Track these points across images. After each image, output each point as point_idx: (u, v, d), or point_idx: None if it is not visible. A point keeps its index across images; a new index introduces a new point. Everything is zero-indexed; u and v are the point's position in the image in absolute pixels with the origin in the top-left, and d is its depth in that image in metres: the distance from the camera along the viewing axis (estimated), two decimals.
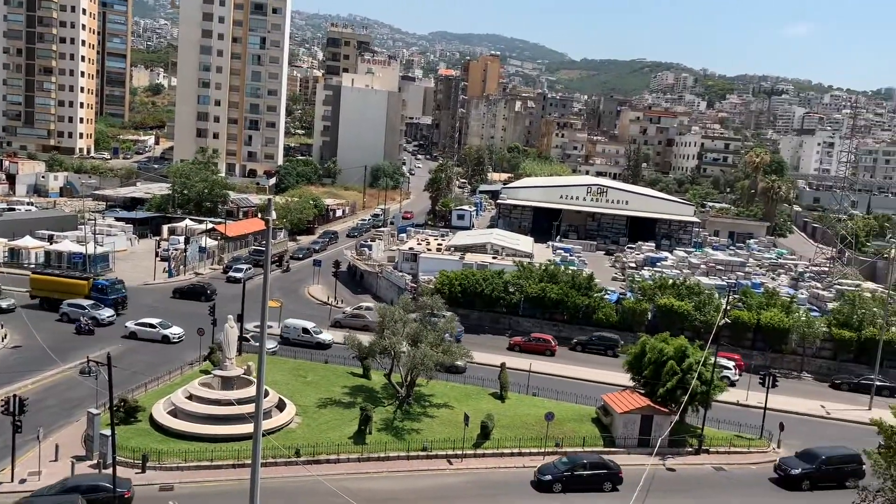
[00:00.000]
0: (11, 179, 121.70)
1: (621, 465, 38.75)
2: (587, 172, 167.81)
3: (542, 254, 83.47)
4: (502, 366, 48.88)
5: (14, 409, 32.70)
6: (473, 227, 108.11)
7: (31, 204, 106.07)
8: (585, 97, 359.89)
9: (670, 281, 67.36)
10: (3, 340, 51.33)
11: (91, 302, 58.94)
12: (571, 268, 71.31)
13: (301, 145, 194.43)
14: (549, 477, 36.85)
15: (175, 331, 55.31)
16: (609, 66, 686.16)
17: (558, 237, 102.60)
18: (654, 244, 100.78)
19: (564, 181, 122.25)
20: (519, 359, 55.02)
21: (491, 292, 64.47)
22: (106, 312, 58.21)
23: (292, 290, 73.32)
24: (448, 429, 41.72)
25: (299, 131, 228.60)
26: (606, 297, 66.14)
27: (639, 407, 43.12)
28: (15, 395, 33.41)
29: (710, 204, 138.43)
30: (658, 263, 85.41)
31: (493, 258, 75.67)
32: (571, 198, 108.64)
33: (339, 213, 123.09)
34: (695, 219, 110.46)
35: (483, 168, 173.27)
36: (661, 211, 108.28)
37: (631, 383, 47.39)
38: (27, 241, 75.42)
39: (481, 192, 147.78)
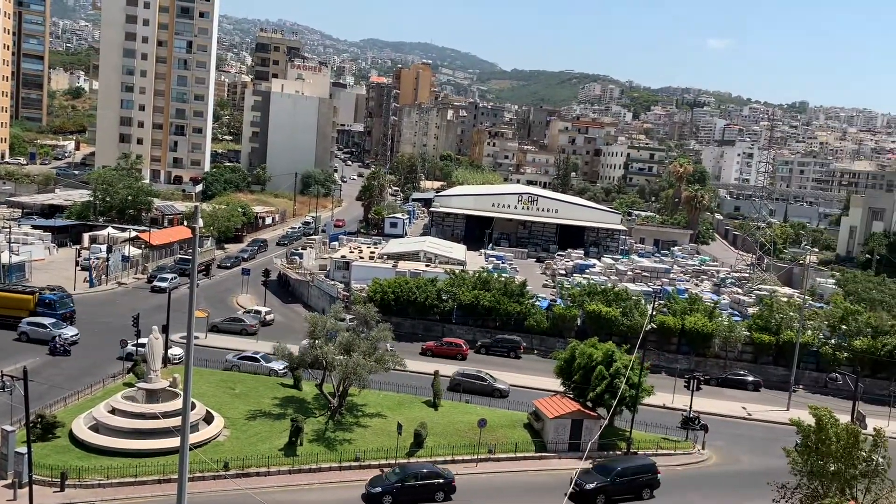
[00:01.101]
0: None
1: (553, 469, 39.28)
2: (518, 181, 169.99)
3: (474, 261, 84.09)
4: (435, 373, 48.93)
5: None
6: (406, 235, 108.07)
7: None
8: (516, 107, 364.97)
9: (599, 287, 68.82)
10: None
11: (53, 320, 55.57)
12: (504, 275, 72.03)
13: (229, 151, 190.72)
14: (378, 489, 35.98)
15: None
16: (539, 76, 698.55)
17: (490, 245, 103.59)
18: (582, 251, 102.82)
19: (496, 189, 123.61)
20: (465, 367, 55.17)
21: (424, 300, 64.56)
22: (70, 332, 54.82)
23: (220, 300, 71.78)
24: (381, 438, 41.52)
25: (227, 137, 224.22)
26: (538, 303, 67.11)
27: (569, 412, 43.85)
28: None
29: (636, 212, 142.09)
30: (587, 270, 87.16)
31: (426, 266, 75.80)
32: (503, 206, 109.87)
33: (268, 220, 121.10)
34: (622, 227, 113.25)
35: (416, 176, 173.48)
36: (590, 219, 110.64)
37: (561, 389, 48.19)
38: None
39: (414, 199, 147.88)
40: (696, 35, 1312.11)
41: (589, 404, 45.06)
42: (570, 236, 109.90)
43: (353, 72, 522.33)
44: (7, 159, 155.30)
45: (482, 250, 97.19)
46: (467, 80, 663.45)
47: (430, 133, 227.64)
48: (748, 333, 64.30)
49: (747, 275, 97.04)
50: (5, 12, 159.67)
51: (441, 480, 36.94)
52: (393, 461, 39.32)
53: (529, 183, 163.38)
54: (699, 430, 46.51)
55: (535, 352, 64.01)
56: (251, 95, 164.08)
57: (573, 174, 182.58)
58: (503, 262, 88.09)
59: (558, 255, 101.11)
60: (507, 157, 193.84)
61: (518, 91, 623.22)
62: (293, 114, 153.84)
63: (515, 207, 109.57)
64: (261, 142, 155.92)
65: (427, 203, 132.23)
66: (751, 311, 71.52)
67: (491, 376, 52.88)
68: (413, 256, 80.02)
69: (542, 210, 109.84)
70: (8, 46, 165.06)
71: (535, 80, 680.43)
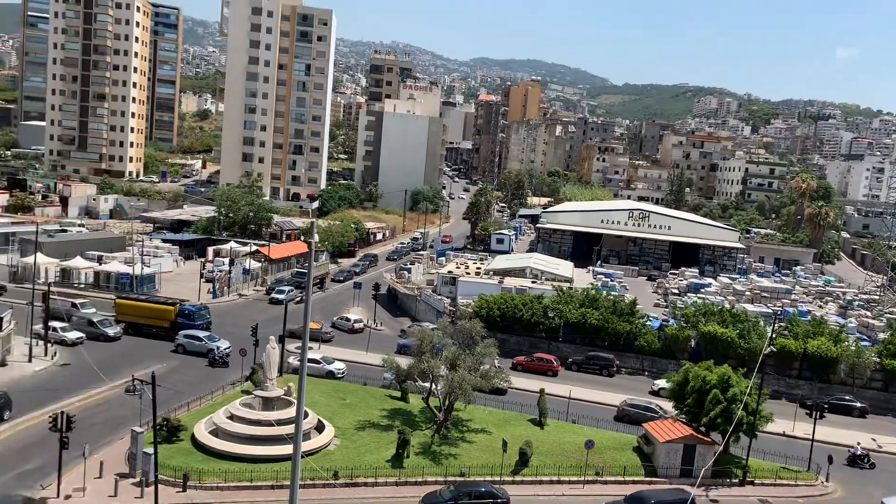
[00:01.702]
0: (64, 202, 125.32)
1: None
2: (629, 197, 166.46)
3: (582, 279, 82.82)
4: (541, 392, 48.39)
5: (61, 426, 33.38)
6: (513, 251, 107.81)
7: (83, 225, 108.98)
8: (627, 122, 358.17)
9: (714, 308, 66.17)
10: (52, 358, 52.60)
11: (207, 333, 58.24)
12: (612, 293, 70.57)
13: (343, 170, 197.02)
14: None
15: (338, 366, 54.24)
16: (651, 90, 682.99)
17: (599, 262, 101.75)
18: (697, 270, 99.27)
19: (605, 206, 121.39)
20: (566, 386, 54.42)
21: (530, 317, 64.09)
22: (223, 344, 56.56)
23: (333, 313, 73.87)
24: (486, 455, 41.36)
25: (342, 156, 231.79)
26: (648, 323, 65.23)
27: (681, 436, 42.25)
28: (63, 412, 34.11)
29: (755, 230, 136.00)
30: (702, 290, 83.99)
31: (533, 283, 75.29)
32: (612, 222, 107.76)
33: (379, 236, 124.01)
34: (739, 245, 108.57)
35: (523, 192, 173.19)
36: (705, 236, 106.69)
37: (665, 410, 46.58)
38: (78, 262, 77.40)
39: (521, 216, 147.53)
40: (821, 45, 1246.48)
41: (702, 429, 43.26)
42: (684, 254, 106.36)
43: (462, 90, 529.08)
44: (141, 177, 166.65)
45: (590, 267, 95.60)
46: (577, 96, 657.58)
47: (538, 149, 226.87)
48: (878, 359, 60.01)
49: (877, 297, 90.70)
50: (143, 42, 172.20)
51: (497, 500, 36.31)
52: (498, 478, 39.09)
53: (640, 199, 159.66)
54: (868, 469, 44.39)
55: (646, 373, 62.19)
56: (365, 115, 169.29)
57: (687, 190, 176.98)
58: (612, 280, 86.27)
59: (671, 273, 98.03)
60: (617, 173, 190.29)
61: (629, 106, 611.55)
62: (404, 132, 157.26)
63: (626, 224, 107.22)
64: (373, 160, 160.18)
65: (534, 219, 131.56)
66: (881, 336, 66.71)
67: (661, 408, 50.38)
68: (519, 273, 79.69)
69: (654, 227, 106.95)
70: (145, 73, 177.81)
71: (648, 95, 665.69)
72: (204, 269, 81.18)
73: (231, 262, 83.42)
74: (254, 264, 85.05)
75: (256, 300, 77.79)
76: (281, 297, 73.76)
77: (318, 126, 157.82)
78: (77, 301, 64.45)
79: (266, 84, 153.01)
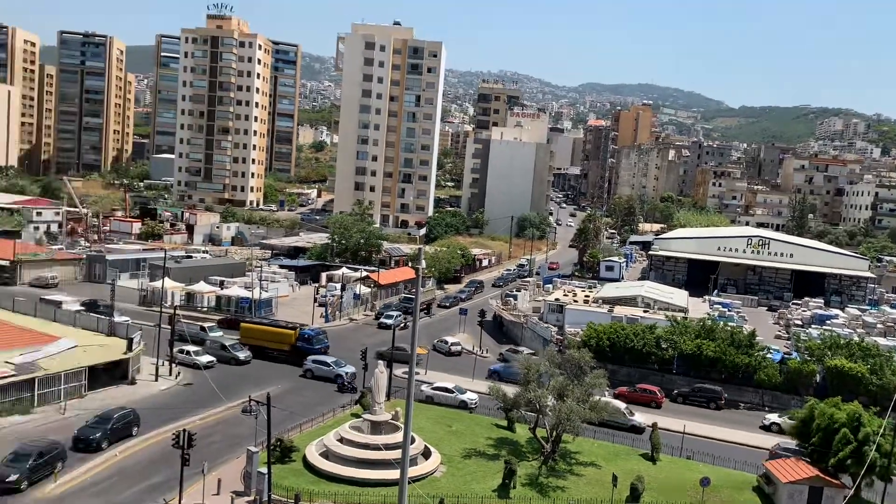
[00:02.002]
0: (190, 229, 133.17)
1: None
2: (747, 223, 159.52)
3: (697, 308, 79.74)
4: (654, 426, 46.72)
5: (183, 443, 34.93)
6: (623, 278, 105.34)
7: (206, 252, 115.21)
8: (744, 145, 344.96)
9: (842, 341, 62.07)
10: (176, 378, 55.52)
11: (334, 358, 59.55)
12: (730, 324, 67.53)
13: (450, 197, 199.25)
14: None
15: (471, 396, 53.77)
16: (770, 112, 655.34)
17: (715, 291, 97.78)
18: (822, 301, 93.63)
19: (722, 232, 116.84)
20: (671, 419, 52.40)
21: (642, 347, 62.20)
22: (349, 369, 57.28)
23: (439, 338, 74.30)
24: (595, 489, 40.22)
25: (449, 183, 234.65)
26: (769, 356, 61.88)
27: (806, 477, 39.58)
28: (185, 430, 35.72)
29: (888, 258, 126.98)
30: (828, 321, 79.00)
31: (645, 312, 73.14)
32: (730, 250, 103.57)
33: (485, 262, 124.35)
34: (870, 274, 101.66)
35: (633, 218, 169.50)
36: (830, 265, 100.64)
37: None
38: (201, 287, 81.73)
39: (631, 242, 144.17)
40: None
41: (829, 470, 40.38)
42: (808, 283, 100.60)
43: (570, 116, 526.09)
44: (261, 206, 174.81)
45: (706, 297, 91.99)
46: (691, 120, 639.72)
47: (650, 174, 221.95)
48: None
49: None
50: (264, 78, 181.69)
51: None
52: None
53: (760, 225, 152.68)
54: None
55: (766, 408, 58.90)
56: (472, 143, 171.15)
57: (810, 216, 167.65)
58: (730, 310, 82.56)
59: (793, 303, 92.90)
60: (734, 198, 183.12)
61: (746, 129, 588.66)
62: (511, 159, 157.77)
63: (744, 251, 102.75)
64: (480, 187, 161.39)
65: (645, 246, 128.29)
66: None
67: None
68: (630, 301, 77.64)
69: (775, 254, 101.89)
70: (266, 107, 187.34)
71: (766, 117, 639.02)
72: (317, 293, 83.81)
73: (343, 288, 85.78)
74: (364, 289, 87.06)
75: (366, 324, 79.45)
76: (389, 321, 75.04)
77: (427, 155, 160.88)
78: (205, 325, 67.86)
79: (378, 115, 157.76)
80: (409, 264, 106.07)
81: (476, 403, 53.03)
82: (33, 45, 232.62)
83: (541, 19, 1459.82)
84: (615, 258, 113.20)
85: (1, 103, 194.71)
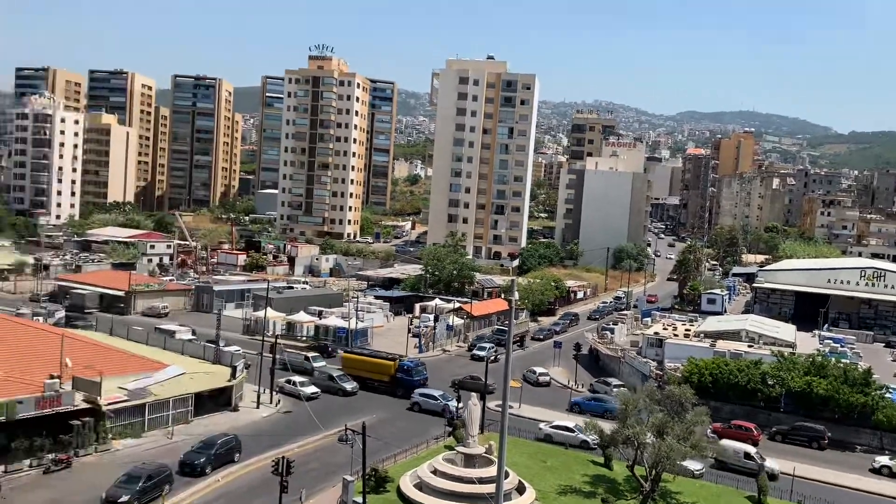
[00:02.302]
0: (291, 261, 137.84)
1: None
2: (860, 254, 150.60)
3: (806, 343, 75.69)
4: (761, 467, 44.37)
5: (282, 471, 35.76)
6: (726, 312, 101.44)
7: (306, 283, 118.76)
8: (855, 172, 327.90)
9: None
10: (276, 406, 57.07)
11: (441, 391, 59.19)
12: (843, 361, 63.69)
13: (544, 228, 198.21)
14: None
15: (592, 437, 49.83)
16: (883, 138, 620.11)
17: (826, 326, 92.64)
18: None
19: (833, 264, 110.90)
20: (770, 459, 49.59)
21: (746, 384, 59.43)
22: (455, 403, 55.72)
23: (528, 369, 73.48)
24: None
25: (542, 215, 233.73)
26: (888, 395, 57.82)
27: None
28: (283, 458, 36.57)
29: None
30: None
31: (749, 347, 70.02)
32: (841, 282, 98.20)
33: (580, 294, 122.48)
34: None
35: (736, 249, 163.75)
36: None
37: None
38: (301, 316, 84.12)
39: (734, 274, 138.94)
40: None
41: None
42: None
43: (668, 145, 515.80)
44: (358, 238, 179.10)
45: (816, 331, 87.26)
46: (796, 147, 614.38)
47: (753, 204, 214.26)
48: None
49: None
50: (362, 115, 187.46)
51: None
52: None
53: (874, 256, 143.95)
54: None
55: (886, 452, 54.88)
56: (566, 174, 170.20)
57: None
58: (842, 346, 78.00)
59: None
60: (845, 228, 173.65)
61: (857, 155, 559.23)
62: (606, 190, 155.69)
63: (857, 284, 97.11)
64: (574, 218, 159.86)
65: (749, 278, 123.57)
66: None
67: None
68: (733, 335, 74.53)
69: (892, 287, 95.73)
70: (363, 143, 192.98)
71: (879, 142, 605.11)
72: (411, 324, 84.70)
73: (436, 319, 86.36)
74: (457, 321, 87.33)
75: (459, 356, 79.49)
76: (482, 353, 74.80)
77: (520, 186, 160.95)
78: (309, 354, 69.54)
79: (471, 148, 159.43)
80: (503, 296, 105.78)
81: (597, 443, 50.21)
82: (150, 88, 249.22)
83: (636, 49, 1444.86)
84: (717, 291, 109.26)
85: (120, 144, 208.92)
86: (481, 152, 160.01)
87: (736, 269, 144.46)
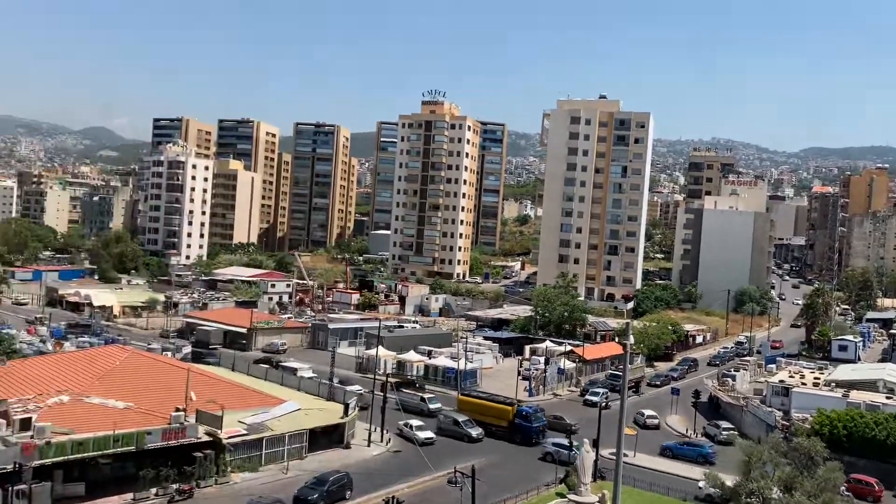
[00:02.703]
0: (402, 300, 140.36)
1: None
2: None
3: None
4: None
5: None
6: (859, 360, 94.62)
7: (416, 322, 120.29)
8: None
9: None
10: (387, 444, 57.62)
11: (576, 442, 55.96)
12: None
13: (660, 269, 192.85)
14: None
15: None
16: None
17: None
18: None
19: None
20: None
21: (885, 438, 54.86)
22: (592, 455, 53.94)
23: (637, 411, 70.85)
24: None
25: (658, 255, 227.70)
26: None
27: None
28: (394, 497, 36.85)
29: None
30: None
31: (888, 398, 64.77)
32: None
33: (699, 339, 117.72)
34: None
35: (870, 293, 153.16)
36: None
37: None
38: (411, 356, 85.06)
39: (869, 320, 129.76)
40: None
41: None
42: None
43: (792, 183, 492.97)
44: (467, 278, 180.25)
45: None
46: None
47: (889, 244, 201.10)
48: None
49: None
50: (472, 157, 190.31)
51: None
52: None
53: None
54: None
55: None
56: (683, 213, 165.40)
57: None
58: None
59: None
60: None
61: None
62: (726, 230, 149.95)
63: None
64: (692, 259, 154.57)
65: (886, 324, 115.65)
66: None
67: None
68: (869, 385, 69.22)
69: None
70: (473, 184, 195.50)
71: None
72: (521, 366, 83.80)
73: (546, 361, 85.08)
74: (568, 364, 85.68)
75: (570, 401, 77.75)
76: (595, 398, 72.85)
77: (634, 226, 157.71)
78: (425, 395, 69.53)
79: (582, 188, 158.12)
80: (617, 339, 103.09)
81: (718, 496, 46.46)
82: (273, 135, 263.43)
83: (755, 84, 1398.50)
84: (850, 337, 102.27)
85: (245, 188, 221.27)
86: (593, 192, 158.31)
87: (870, 315, 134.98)
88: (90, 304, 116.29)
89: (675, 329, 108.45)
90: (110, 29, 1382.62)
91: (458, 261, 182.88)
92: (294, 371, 74.23)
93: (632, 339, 30.13)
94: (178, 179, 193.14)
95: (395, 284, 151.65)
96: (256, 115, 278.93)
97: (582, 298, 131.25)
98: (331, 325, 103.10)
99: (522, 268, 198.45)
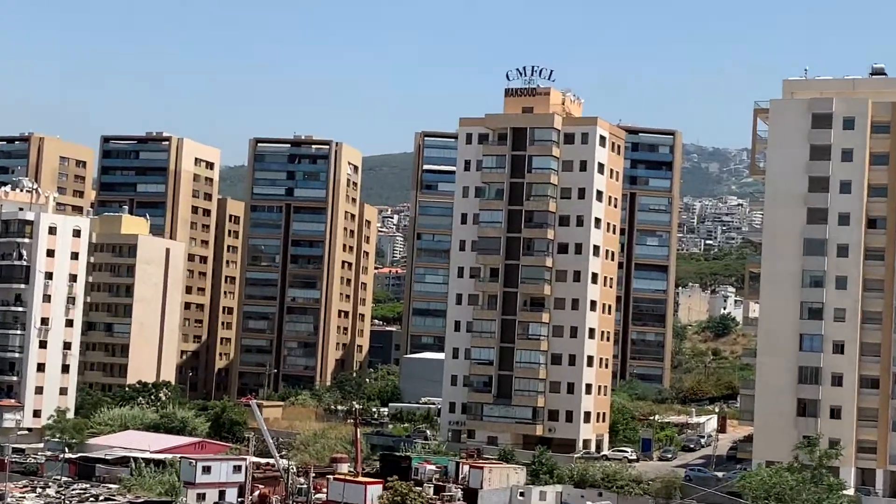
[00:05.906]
0: (471, 496, 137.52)
1: None
2: None
3: None
4: None
5: None
6: None
7: None
8: None
9: None
10: None
11: None
12: None
13: None
14: None
15: None
16: None
17: None
18: None
19: None
20: None
21: None
22: None
23: None
24: None
25: None
26: None
27: None
28: None
29: None
30: None
31: None
32: None
33: None
34: None
35: None
36: None
37: None
38: None
39: None
40: None
41: None
42: None
43: None
44: (605, 451, 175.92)
45: None
46: None
47: None
48: None
49: None
50: (611, 195, 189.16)
51: None
52: None
53: None
54: None
55: None
56: None
57: None
58: None
59: None
60: None
61: None
62: None
63: None
64: None
65: None
66: None
67: None
68: None
69: None
70: (614, 254, 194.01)
71: None
72: None
73: None
74: None
75: None
76: None
77: None
78: None
79: (844, 258, 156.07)
80: None
81: None
82: (211, 165, 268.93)
83: None
84: None
85: (155, 270, 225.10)
86: (865, 266, 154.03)
87: None
88: None
89: None
90: None
91: (586, 415, 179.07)
92: None
93: None
94: (20, 257, 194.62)
95: (457, 464, 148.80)
96: (177, 130, 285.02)
97: (851, 490, 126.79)
98: None
99: (722, 427, 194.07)
